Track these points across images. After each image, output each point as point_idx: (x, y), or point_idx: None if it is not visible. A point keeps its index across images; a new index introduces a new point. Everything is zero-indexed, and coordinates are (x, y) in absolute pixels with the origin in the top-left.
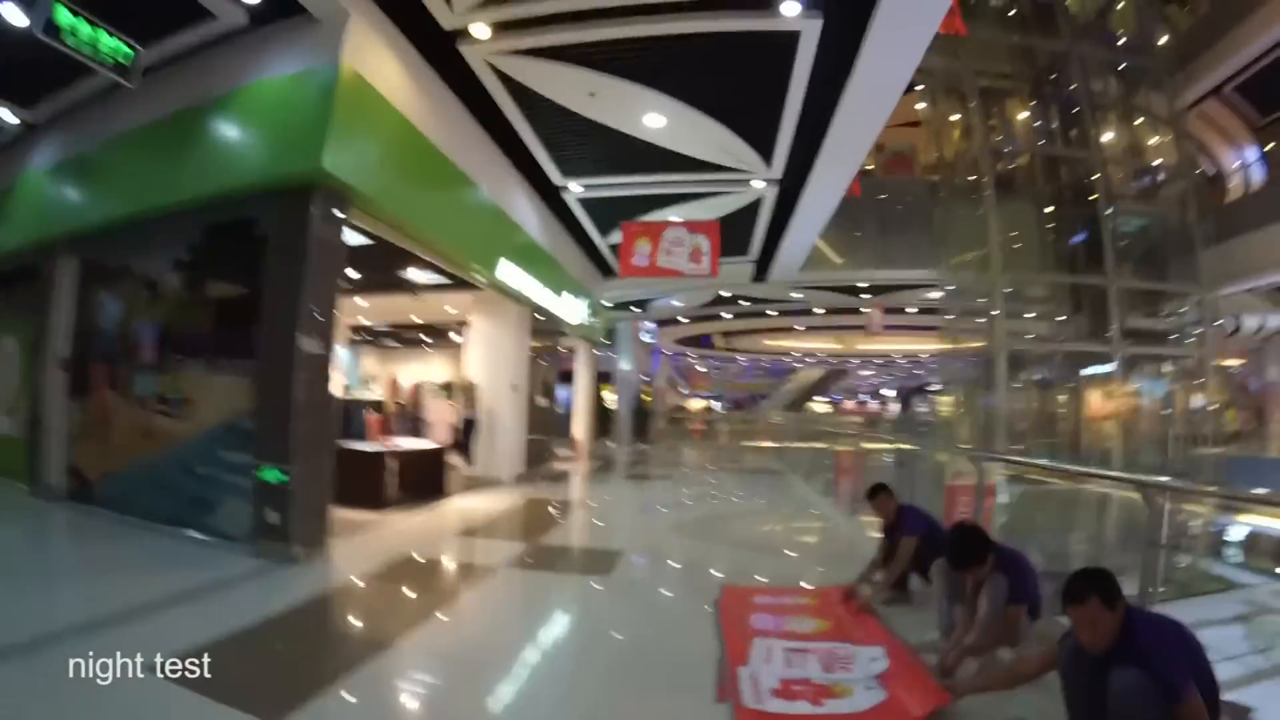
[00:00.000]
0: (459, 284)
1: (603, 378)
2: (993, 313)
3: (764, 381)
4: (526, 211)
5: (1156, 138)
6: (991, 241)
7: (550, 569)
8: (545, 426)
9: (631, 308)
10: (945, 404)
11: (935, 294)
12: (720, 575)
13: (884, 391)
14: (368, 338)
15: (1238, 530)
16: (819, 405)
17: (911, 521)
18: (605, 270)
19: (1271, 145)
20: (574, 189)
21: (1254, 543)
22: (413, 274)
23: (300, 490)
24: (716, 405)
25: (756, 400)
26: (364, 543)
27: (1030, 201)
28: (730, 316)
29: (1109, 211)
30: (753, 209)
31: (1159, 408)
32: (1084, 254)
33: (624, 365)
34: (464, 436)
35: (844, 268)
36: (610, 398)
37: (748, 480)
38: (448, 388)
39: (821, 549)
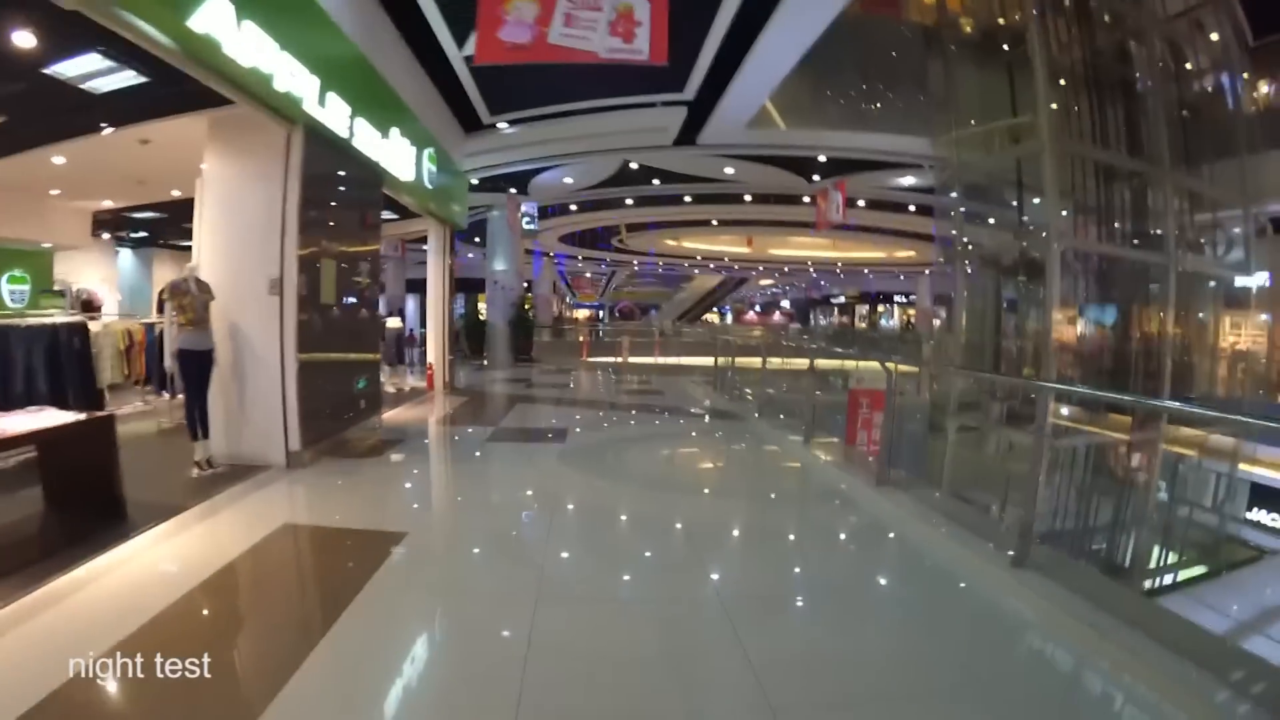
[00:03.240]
0: (169, 94)
1: (471, 285)
2: (1047, 197)
3: (654, 289)
4: None
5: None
6: (1039, 103)
7: None
8: (358, 351)
9: (510, 190)
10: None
11: (908, 180)
12: None
13: (784, 304)
14: (135, 234)
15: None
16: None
17: None
18: (469, 122)
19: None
20: None
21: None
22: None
23: None
24: (602, 315)
25: (646, 311)
26: None
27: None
28: (632, 202)
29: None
30: None
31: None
32: (1126, 138)
33: (499, 265)
34: (191, 388)
35: (801, 127)
36: (483, 309)
37: (705, 433)
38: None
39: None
